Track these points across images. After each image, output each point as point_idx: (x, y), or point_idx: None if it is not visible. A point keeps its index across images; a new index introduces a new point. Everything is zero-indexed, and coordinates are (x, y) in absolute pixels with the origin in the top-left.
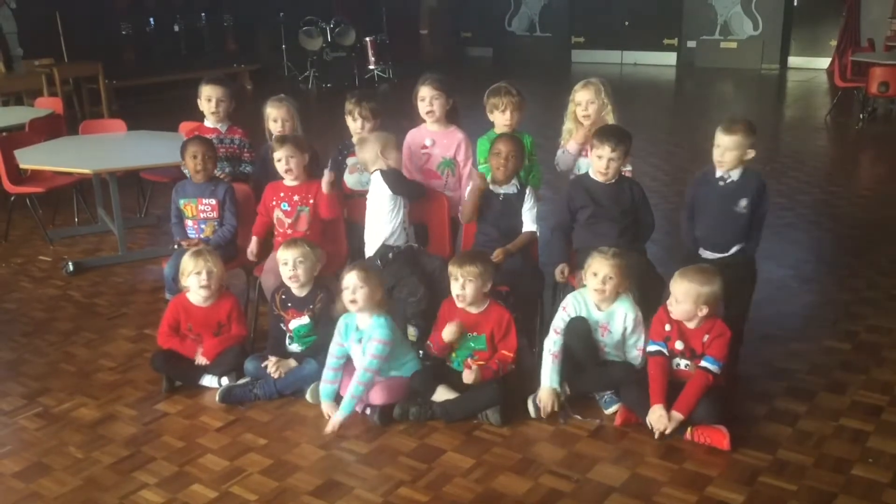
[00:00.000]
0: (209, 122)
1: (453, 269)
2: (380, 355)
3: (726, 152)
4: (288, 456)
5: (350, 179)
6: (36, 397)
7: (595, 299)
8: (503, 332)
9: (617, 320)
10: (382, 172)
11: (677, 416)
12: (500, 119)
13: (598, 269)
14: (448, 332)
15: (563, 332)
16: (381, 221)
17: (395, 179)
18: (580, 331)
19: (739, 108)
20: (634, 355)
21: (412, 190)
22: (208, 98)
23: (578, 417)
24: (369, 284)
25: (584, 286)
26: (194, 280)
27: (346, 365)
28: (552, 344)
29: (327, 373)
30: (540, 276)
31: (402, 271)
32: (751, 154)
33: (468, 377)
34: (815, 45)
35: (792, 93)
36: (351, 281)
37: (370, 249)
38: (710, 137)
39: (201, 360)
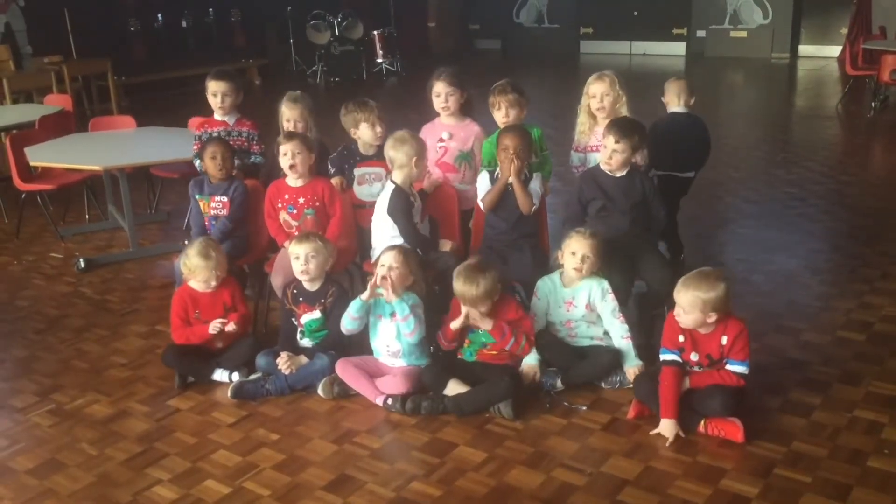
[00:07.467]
0: (217, 116)
1: (463, 295)
2: (418, 317)
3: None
4: (300, 451)
5: (360, 191)
6: (48, 394)
7: (573, 276)
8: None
9: (580, 296)
10: (396, 192)
11: (686, 382)
12: (499, 117)
13: (577, 248)
14: (456, 322)
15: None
16: (389, 225)
17: (398, 210)
18: (547, 342)
19: (750, 98)
20: (618, 327)
21: (409, 232)
22: (213, 93)
23: (565, 404)
24: (405, 268)
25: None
26: (204, 276)
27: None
28: None
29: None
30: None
31: None
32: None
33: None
34: (825, 33)
35: (802, 82)
36: (388, 260)
37: (376, 254)
38: (719, 127)
39: (217, 327)
